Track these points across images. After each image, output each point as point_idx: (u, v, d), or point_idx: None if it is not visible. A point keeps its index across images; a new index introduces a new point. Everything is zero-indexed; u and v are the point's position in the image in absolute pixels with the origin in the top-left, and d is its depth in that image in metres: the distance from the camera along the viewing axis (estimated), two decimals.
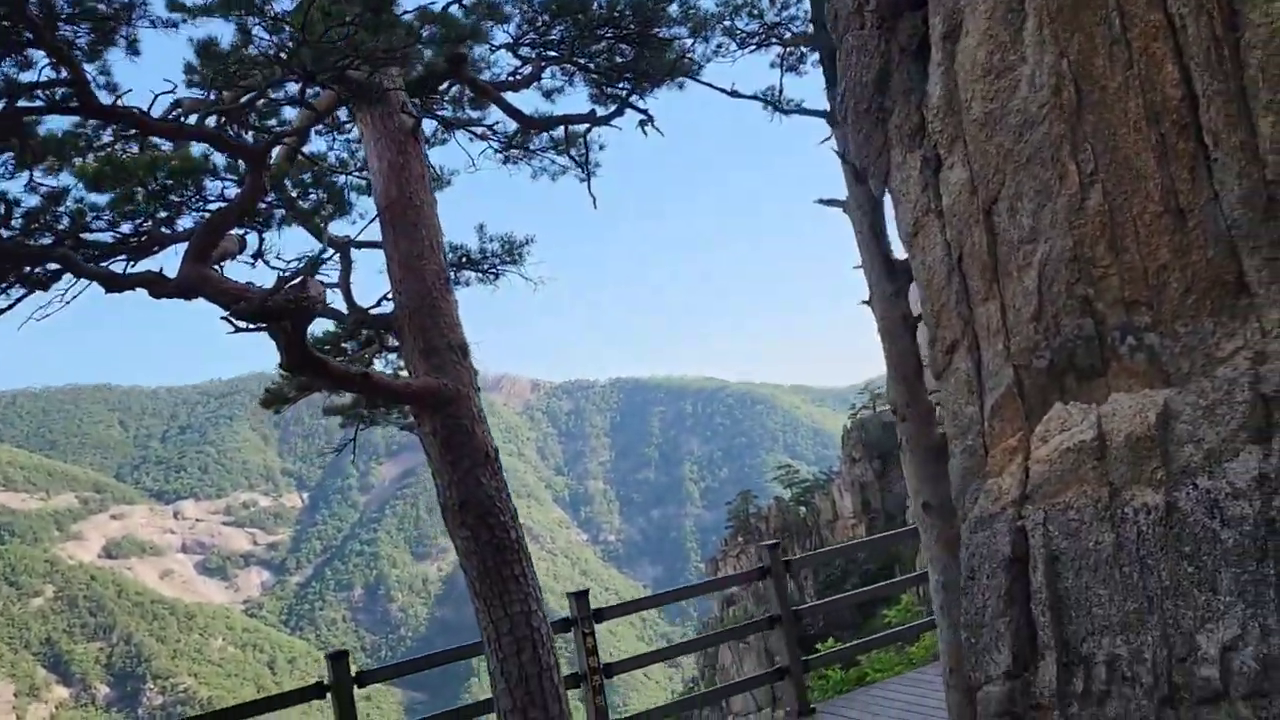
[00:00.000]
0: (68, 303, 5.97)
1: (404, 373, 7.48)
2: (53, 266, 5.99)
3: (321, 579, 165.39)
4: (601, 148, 9.97)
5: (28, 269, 5.99)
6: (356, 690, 7.51)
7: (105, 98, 5.52)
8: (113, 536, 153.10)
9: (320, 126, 9.84)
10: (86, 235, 6.29)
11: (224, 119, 5.94)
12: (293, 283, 5.35)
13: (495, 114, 9.50)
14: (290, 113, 8.29)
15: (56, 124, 6.20)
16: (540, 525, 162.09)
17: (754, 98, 7.52)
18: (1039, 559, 3.46)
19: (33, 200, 6.02)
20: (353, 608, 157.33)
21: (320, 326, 8.58)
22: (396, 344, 9.59)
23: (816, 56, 8.86)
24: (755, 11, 8.23)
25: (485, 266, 9.52)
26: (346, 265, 8.28)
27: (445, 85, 8.90)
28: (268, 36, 5.94)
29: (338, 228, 8.77)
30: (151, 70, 5.95)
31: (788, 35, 8.17)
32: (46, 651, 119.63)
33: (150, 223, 6.30)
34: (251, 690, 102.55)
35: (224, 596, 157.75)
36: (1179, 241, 3.16)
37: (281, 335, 5.53)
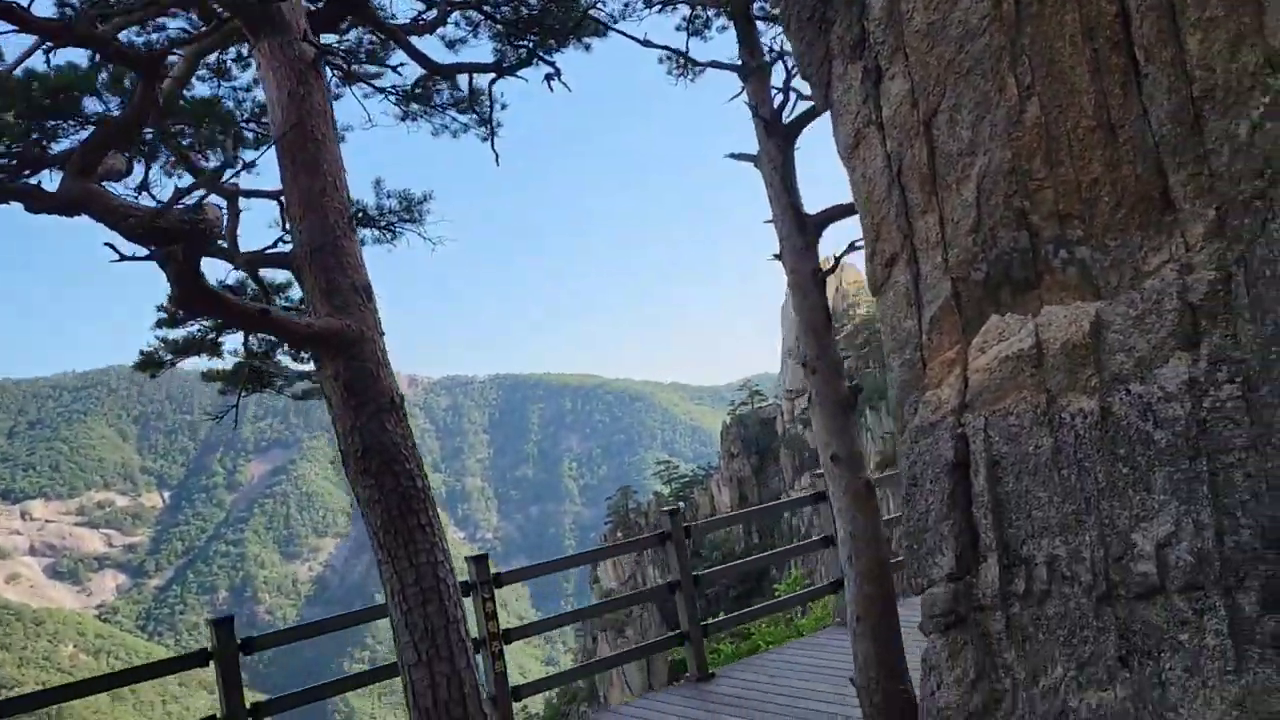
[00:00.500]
0: None
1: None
2: None
3: (183, 581, 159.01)
4: (504, 106, 9.76)
5: None
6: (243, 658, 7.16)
7: None
8: None
9: (207, 73, 9.31)
10: None
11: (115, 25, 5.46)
12: (187, 202, 4.94)
13: (394, 70, 9.19)
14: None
15: None
16: None
17: (665, 47, 7.42)
18: (980, 463, 3.47)
19: None
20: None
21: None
22: (286, 306, 9.16)
23: (722, 22, 8.86)
24: None
25: (383, 223, 9.15)
26: (234, 214, 7.83)
27: (344, 27, 8.53)
28: None
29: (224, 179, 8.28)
30: None
31: None
32: None
33: (22, 146, 5.78)
34: (105, 699, 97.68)
35: (76, 601, 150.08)
36: (1110, 156, 3.21)
37: (172, 262, 5.10)
